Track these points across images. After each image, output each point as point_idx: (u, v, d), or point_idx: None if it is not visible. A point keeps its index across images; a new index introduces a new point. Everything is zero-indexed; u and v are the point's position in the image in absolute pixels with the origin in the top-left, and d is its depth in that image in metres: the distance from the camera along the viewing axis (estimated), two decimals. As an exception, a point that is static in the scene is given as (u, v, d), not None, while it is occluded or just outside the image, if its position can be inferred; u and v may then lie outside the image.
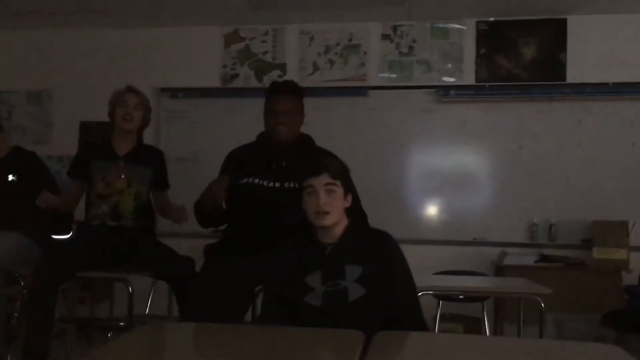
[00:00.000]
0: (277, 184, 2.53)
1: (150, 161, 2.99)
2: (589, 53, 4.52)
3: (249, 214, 2.53)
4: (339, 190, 2.02)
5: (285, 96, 2.61)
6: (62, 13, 4.68)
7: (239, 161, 2.66)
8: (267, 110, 2.63)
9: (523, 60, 4.61)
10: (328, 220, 1.98)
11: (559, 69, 4.55)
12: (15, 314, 3.15)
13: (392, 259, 1.97)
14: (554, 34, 4.58)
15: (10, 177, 3.13)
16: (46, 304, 2.63)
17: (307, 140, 2.72)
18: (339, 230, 2.02)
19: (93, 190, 2.89)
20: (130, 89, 2.97)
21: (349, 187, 2.09)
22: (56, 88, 5.09)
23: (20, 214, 3.06)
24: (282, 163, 2.57)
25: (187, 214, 2.81)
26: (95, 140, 3.11)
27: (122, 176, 2.87)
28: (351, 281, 1.91)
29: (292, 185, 2.48)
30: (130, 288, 2.69)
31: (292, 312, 1.93)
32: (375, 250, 1.97)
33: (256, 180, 2.54)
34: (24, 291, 2.94)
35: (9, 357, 3.00)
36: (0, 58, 5.13)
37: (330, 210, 1.98)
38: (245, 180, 2.56)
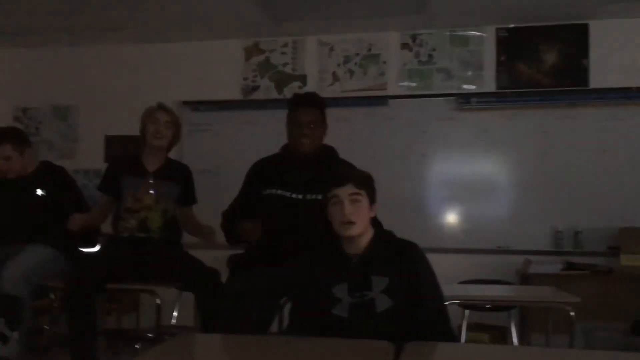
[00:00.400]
0: (300, 196, 2.55)
1: (179, 178, 3.04)
2: (612, 58, 4.47)
3: (273, 225, 2.55)
4: (364, 200, 2.02)
5: (308, 108, 2.64)
6: (86, 30, 4.77)
7: (262, 172, 2.69)
8: (290, 122, 2.65)
9: (544, 67, 4.58)
10: (354, 230, 1.98)
11: (581, 75, 4.51)
12: (46, 327, 3.20)
13: (419, 269, 1.96)
14: (575, 39, 4.54)
15: (39, 192, 3.19)
16: (88, 316, 2.68)
17: (330, 151, 2.73)
18: (364, 240, 2.02)
19: (122, 205, 2.93)
20: (161, 107, 3.03)
21: (374, 197, 2.10)
22: (82, 103, 5.17)
23: (49, 228, 3.12)
24: (305, 175, 2.58)
25: (216, 236, 2.82)
26: (125, 154, 3.16)
27: (151, 192, 2.91)
28: (378, 292, 1.90)
29: (315, 197, 2.49)
30: (157, 299, 2.72)
31: (320, 323, 1.93)
32: (402, 261, 1.97)
33: (279, 192, 2.56)
34: (54, 304, 2.99)
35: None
36: (28, 75, 5.25)
37: (355, 220, 1.98)
38: (268, 191, 2.58)
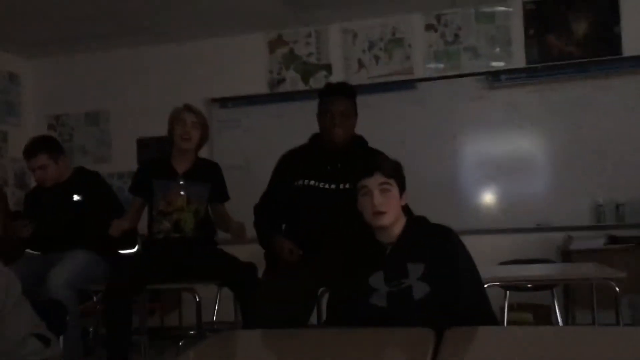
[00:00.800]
0: (332, 186, 2.54)
1: (208, 177, 3.05)
2: (646, 23, 4.32)
3: (306, 216, 2.54)
4: (394, 189, 1.99)
5: (340, 98, 2.62)
6: (112, 34, 4.85)
7: (293, 163, 2.68)
8: (321, 111, 2.63)
9: (575, 37, 4.45)
10: (385, 220, 1.96)
11: (614, 43, 4.37)
12: (91, 329, 3.27)
13: (454, 253, 1.93)
14: (606, 6, 4.40)
15: (76, 197, 3.25)
16: (122, 318, 2.74)
17: (360, 140, 2.71)
18: (397, 229, 2.00)
19: (155, 207, 2.97)
20: (188, 108, 3.04)
21: (404, 186, 2.07)
22: (112, 107, 5.27)
23: (87, 233, 3.18)
24: (337, 165, 2.57)
25: (247, 233, 2.83)
26: (154, 157, 3.19)
27: (182, 193, 2.94)
28: (414, 279, 1.88)
29: (347, 186, 2.48)
30: (197, 297, 2.76)
31: (358, 314, 1.92)
32: (437, 246, 1.94)
33: (312, 182, 2.55)
34: (98, 307, 3.05)
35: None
36: (59, 82, 5.36)
37: (386, 209, 1.96)
38: (300, 182, 2.57)
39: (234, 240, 2.84)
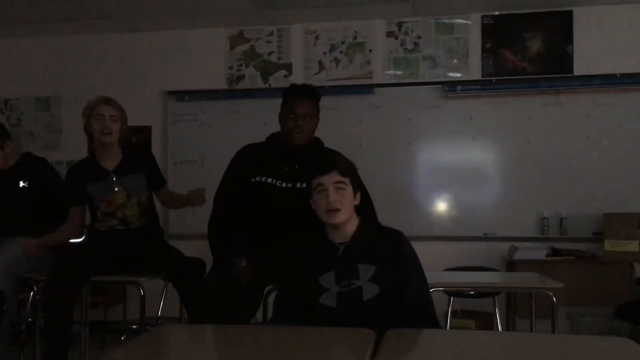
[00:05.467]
0: (289, 184, 2.54)
1: (141, 166, 2.99)
2: (596, 44, 4.48)
3: (261, 213, 2.53)
4: (348, 188, 2.02)
5: (304, 100, 2.60)
6: (68, 19, 4.71)
7: (250, 159, 2.65)
8: (285, 112, 2.62)
9: (529, 54, 4.59)
10: (339, 218, 1.98)
11: (566, 62, 4.53)
12: (29, 319, 3.18)
13: (405, 257, 1.97)
14: (560, 26, 4.55)
15: (22, 184, 3.16)
16: (64, 310, 2.67)
17: (317, 142, 2.72)
18: (350, 229, 2.02)
19: (98, 209, 2.91)
20: (105, 100, 2.94)
21: (358, 185, 2.09)
22: (64, 94, 5.12)
23: (31, 220, 3.09)
24: (294, 165, 2.57)
25: (204, 197, 2.81)
26: (79, 160, 3.05)
27: (118, 190, 2.88)
28: (365, 280, 1.91)
29: (303, 185, 2.48)
30: (142, 291, 2.71)
31: (307, 313, 1.93)
32: (388, 249, 1.97)
33: (269, 180, 2.54)
34: (37, 297, 2.97)
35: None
36: (8, 65, 5.17)
37: (340, 207, 1.98)
38: (257, 179, 2.56)
39: (186, 234, 2.81)
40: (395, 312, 1.87)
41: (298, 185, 2.52)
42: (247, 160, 2.66)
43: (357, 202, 2.07)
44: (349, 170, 2.06)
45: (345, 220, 2.00)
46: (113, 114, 2.89)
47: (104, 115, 2.87)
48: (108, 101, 2.93)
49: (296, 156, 2.58)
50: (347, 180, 2.02)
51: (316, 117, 2.66)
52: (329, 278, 1.94)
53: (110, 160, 2.93)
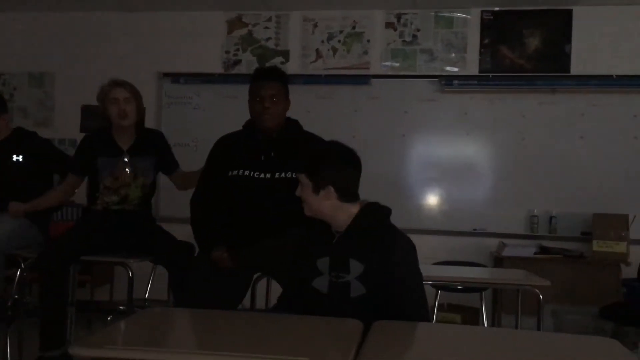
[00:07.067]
0: (267, 175, 2.50)
1: (153, 149, 3.00)
2: (594, 45, 4.49)
3: (242, 206, 2.50)
4: (304, 185, 1.95)
5: (269, 82, 2.55)
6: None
7: (226, 152, 2.60)
8: (251, 96, 2.57)
9: (527, 51, 4.59)
10: (306, 212, 1.98)
11: (563, 61, 4.53)
12: (16, 297, 3.17)
13: (395, 263, 1.88)
14: (559, 25, 4.55)
15: (15, 158, 3.14)
16: (59, 288, 2.67)
17: (294, 125, 2.66)
18: (342, 218, 1.96)
19: (101, 182, 2.90)
20: (116, 83, 2.92)
21: (325, 179, 1.94)
22: (58, 71, 5.07)
23: (23, 195, 3.07)
24: (270, 153, 2.54)
25: None
26: (96, 132, 3.05)
27: (128, 170, 2.90)
28: (353, 277, 1.90)
29: (282, 175, 2.47)
30: (130, 272, 2.71)
31: (301, 295, 1.96)
32: (378, 255, 1.89)
33: (246, 172, 2.50)
34: (24, 274, 2.96)
35: (8, 338, 3.02)
36: (3, 40, 5.11)
37: (304, 208, 1.98)
38: (235, 172, 2.52)
39: (176, 217, 2.79)
40: (381, 310, 1.84)
41: (277, 175, 2.48)
42: (224, 153, 2.60)
43: (328, 197, 1.92)
44: (306, 166, 1.96)
45: (311, 215, 1.97)
46: (127, 96, 2.89)
47: (118, 99, 2.87)
48: (121, 84, 2.92)
49: (272, 144, 2.55)
50: (301, 176, 1.95)
51: (284, 99, 2.58)
52: (324, 263, 1.94)
53: (126, 140, 2.94)
